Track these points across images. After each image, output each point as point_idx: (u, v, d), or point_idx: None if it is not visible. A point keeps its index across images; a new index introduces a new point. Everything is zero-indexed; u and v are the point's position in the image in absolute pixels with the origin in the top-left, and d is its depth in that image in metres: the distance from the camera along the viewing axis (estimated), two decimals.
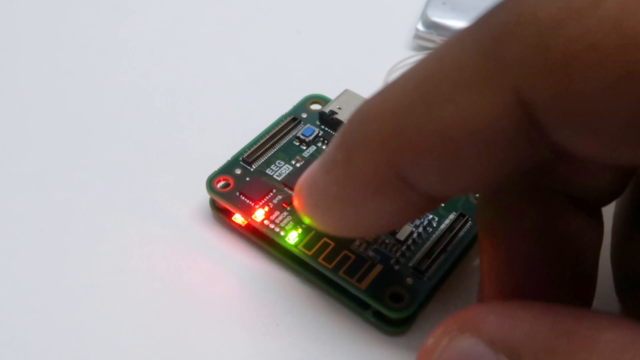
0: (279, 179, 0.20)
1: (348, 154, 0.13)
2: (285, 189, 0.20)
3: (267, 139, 0.21)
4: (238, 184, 0.20)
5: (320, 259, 0.18)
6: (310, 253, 0.18)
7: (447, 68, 0.11)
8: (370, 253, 0.19)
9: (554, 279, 0.14)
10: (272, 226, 0.19)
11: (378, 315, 0.18)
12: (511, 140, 0.11)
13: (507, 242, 0.15)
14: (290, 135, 0.21)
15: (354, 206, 0.14)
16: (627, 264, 0.14)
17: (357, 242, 0.19)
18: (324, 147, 0.21)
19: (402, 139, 0.12)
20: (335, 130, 0.22)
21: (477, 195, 0.19)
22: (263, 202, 0.20)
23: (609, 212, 0.16)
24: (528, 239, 0.15)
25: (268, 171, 0.20)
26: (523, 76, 0.10)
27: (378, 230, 0.17)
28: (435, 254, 0.18)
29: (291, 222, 0.19)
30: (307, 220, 0.15)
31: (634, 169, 0.15)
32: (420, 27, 0.26)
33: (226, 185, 0.20)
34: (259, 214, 0.19)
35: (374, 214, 0.14)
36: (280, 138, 0.21)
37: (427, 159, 0.12)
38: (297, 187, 0.15)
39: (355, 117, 0.13)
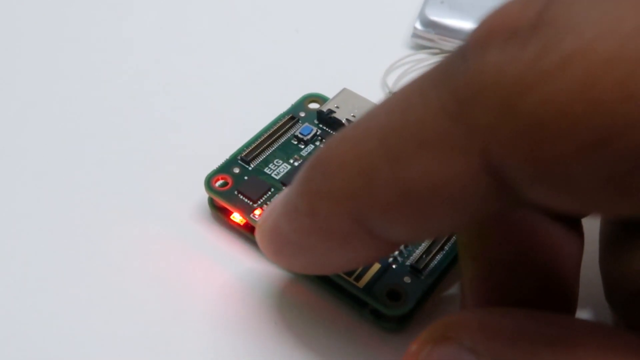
0: (277, 177, 0.20)
1: (312, 205, 0.13)
2: (284, 187, 0.20)
3: (265, 138, 0.21)
4: (236, 183, 0.20)
5: None
6: None
7: (412, 127, 0.11)
8: None
9: (535, 288, 0.15)
10: None
11: (376, 313, 0.18)
12: (480, 199, 0.11)
13: (487, 254, 0.15)
14: (288, 134, 0.22)
15: (318, 254, 0.14)
16: (615, 270, 0.14)
17: None
18: (321, 145, 0.21)
19: (368, 194, 0.12)
20: (333, 129, 0.22)
21: None
22: (261, 201, 0.20)
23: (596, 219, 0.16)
24: (507, 250, 0.15)
25: (266, 170, 0.20)
26: (491, 141, 0.10)
27: (343, 270, 0.18)
28: (432, 253, 0.18)
29: None
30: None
31: None
32: (419, 26, 0.26)
33: (224, 184, 0.20)
34: (258, 213, 0.19)
35: (339, 260, 0.14)
36: (278, 137, 0.21)
37: (394, 214, 0.12)
38: (258, 228, 0.15)
39: (317, 165, 0.13)
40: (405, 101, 0.12)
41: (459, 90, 0.11)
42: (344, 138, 0.13)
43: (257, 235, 0.16)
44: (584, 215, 0.15)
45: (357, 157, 0.12)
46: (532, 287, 0.15)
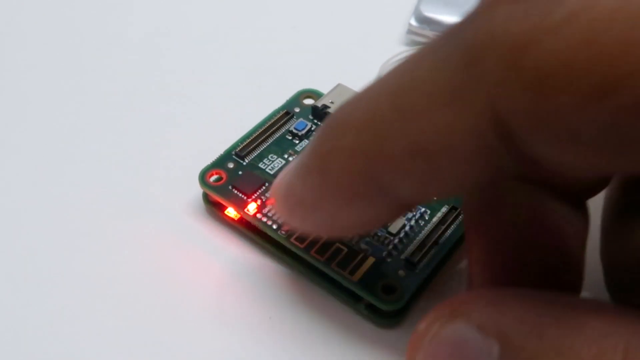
0: (271, 172, 0.20)
1: (323, 162, 0.13)
2: None
3: (259, 133, 0.21)
4: (231, 178, 0.20)
5: (312, 252, 0.18)
6: (302, 246, 0.18)
7: (421, 82, 0.12)
8: (363, 246, 0.19)
9: (540, 268, 0.15)
10: (264, 219, 0.19)
11: (370, 307, 0.18)
12: (487, 153, 0.11)
13: (493, 232, 0.15)
14: (283, 130, 0.22)
15: (330, 212, 0.14)
16: (616, 259, 0.15)
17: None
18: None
19: (378, 150, 0.12)
20: None
21: None
22: (255, 195, 0.20)
23: (599, 208, 0.16)
24: (514, 229, 0.15)
25: (261, 165, 0.20)
26: (497, 93, 0.11)
27: (355, 232, 0.18)
28: (427, 247, 0.18)
29: None
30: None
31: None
32: (413, 22, 0.26)
33: (219, 179, 0.20)
34: (252, 208, 0.19)
35: (350, 219, 0.14)
36: (273, 132, 0.21)
37: (403, 169, 0.12)
38: (273, 189, 0.16)
39: (329, 125, 0.13)
40: (415, 61, 0.12)
41: (467, 46, 0.11)
42: (356, 98, 0.13)
43: (272, 196, 0.16)
44: (587, 178, 0.15)
45: (368, 114, 0.12)
46: (538, 266, 0.15)
